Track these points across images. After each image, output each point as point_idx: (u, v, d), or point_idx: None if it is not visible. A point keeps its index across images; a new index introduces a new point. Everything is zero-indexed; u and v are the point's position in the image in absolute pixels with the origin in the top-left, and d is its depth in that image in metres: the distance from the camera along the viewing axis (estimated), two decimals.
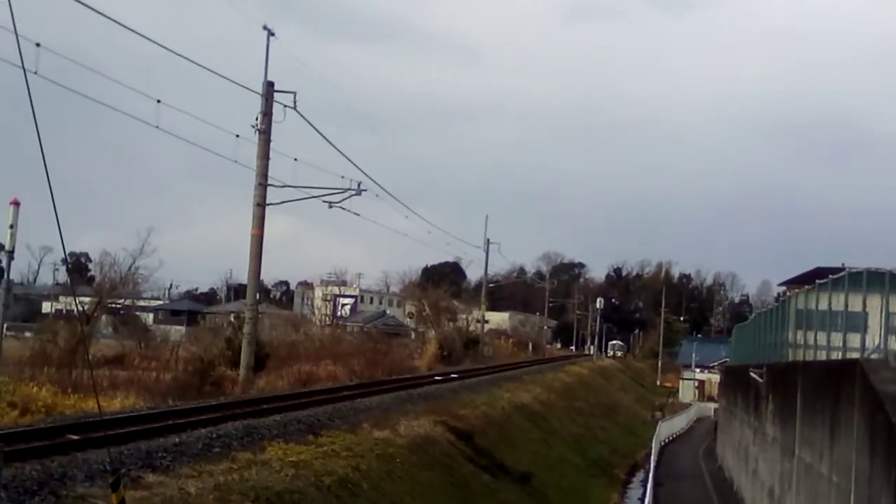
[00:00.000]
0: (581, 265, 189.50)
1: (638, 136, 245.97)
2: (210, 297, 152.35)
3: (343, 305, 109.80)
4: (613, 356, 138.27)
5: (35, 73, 20.72)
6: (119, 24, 28.22)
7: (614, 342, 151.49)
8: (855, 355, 17.22)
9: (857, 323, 18.29)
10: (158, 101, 30.95)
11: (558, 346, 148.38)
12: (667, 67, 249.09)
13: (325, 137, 39.94)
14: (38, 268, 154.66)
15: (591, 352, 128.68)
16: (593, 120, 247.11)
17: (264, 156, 38.13)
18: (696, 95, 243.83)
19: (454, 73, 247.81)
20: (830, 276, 20.56)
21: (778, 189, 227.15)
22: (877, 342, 17.29)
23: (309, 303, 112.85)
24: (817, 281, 22.01)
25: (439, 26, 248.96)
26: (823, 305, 21.02)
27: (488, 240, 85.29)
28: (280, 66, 46.89)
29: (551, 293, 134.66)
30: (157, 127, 31.03)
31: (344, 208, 41.85)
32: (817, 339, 21.87)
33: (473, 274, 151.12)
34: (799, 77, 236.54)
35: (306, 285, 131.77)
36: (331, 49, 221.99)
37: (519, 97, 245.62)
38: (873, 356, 16.48)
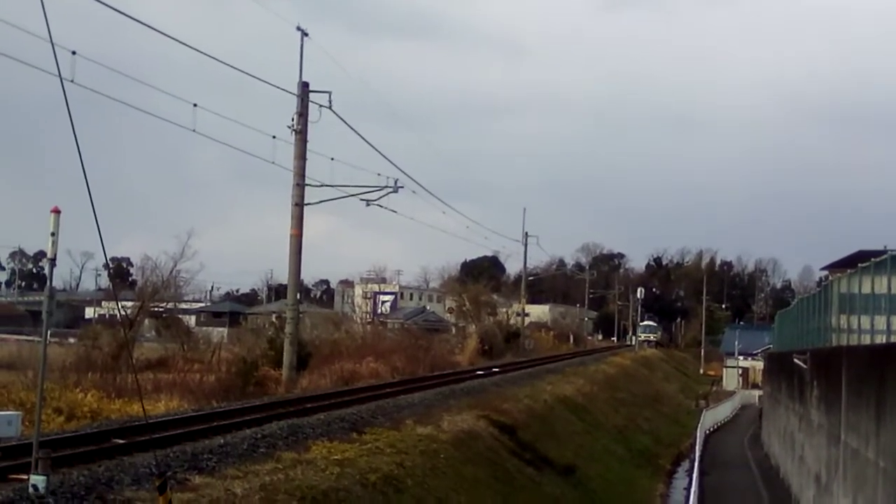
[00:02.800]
0: (621, 255, 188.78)
1: (677, 122, 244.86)
2: (251, 298, 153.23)
3: (383, 302, 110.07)
4: (649, 342, 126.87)
5: (72, 81, 20.91)
6: (154, 29, 28.45)
7: (646, 323, 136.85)
8: None
9: None
10: (195, 105, 31.17)
11: (599, 337, 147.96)
12: (705, 50, 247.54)
13: (360, 136, 40.10)
14: (80, 274, 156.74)
15: (633, 342, 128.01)
16: (632, 108, 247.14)
17: (301, 156, 38.33)
18: (735, 78, 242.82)
19: (492, 67, 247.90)
20: (873, 259, 20.37)
21: (818, 171, 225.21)
22: None
23: (349, 301, 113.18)
24: (860, 264, 21.81)
25: (477, 19, 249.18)
26: (866, 289, 20.84)
27: (527, 233, 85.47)
28: (315, 66, 47.05)
29: (591, 284, 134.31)
30: (193, 131, 31.25)
31: (381, 206, 42.07)
32: (861, 323, 21.68)
33: (512, 267, 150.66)
34: (838, 56, 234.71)
35: (346, 283, 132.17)
36: (366, 47, 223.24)
37: (557, 88, 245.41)
38: None
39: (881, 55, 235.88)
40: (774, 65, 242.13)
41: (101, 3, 23.61)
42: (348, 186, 41.43)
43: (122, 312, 49.28)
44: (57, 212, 14.97)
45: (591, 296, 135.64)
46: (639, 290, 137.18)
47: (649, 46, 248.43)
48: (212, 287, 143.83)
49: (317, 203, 40.12)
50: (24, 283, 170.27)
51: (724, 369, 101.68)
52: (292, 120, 38.05)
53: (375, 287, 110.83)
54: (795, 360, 31.40)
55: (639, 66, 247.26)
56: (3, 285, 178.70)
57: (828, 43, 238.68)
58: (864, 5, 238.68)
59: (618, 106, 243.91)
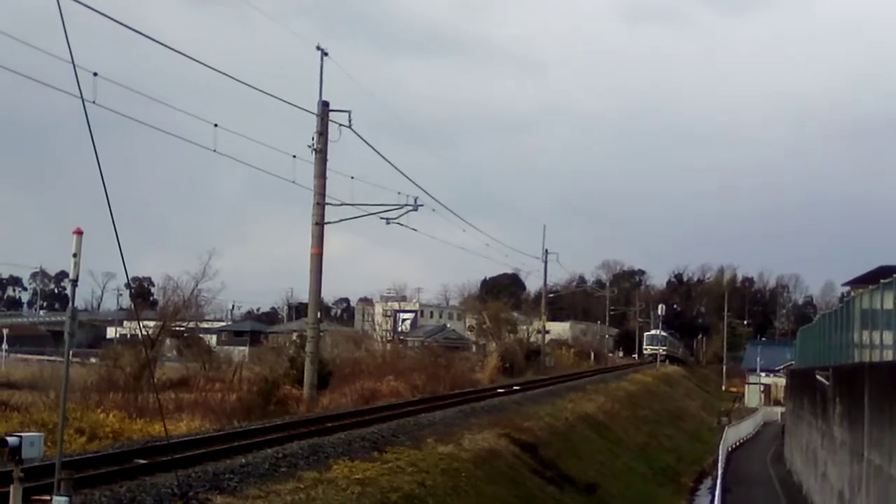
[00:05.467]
0: (641, 272, 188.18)
1: (697, 138, 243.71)
2: (272, 317, 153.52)
3: (403, 320, 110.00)
4: (657, 357, 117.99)
5: (93, 102, 21.02)
6: (175, 50, 28.57)
7: (651, 333, 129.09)
8: None
9: None
10: (216, 125, 31.25)
11: (620, 354, 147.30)
12: (726, 67, 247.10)
13: (380, 154, 40.20)
14: (102, 294, 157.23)
15: (655, 360, 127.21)
16: (652, 124, 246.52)
17: (321, 175, 38.44)
18: (757, 93, 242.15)
19: (511, 83, 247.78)
20: (894, 274, 20.27)
21: (839, 186, 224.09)
22: None
23: (369, 319, 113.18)
24: (881, 280, 21.71)
25: (495, 36, 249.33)
26: (889, 304, 20.73)
27: (546, 250, 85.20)
28: (335, 85, 47.20)
29: (612, 301, 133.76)
30: (214, 151, 31.33)
31: (401, 224, 42.08)
32: (883, 339, 21.57)
33: (533, 285, 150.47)
34: (859, 69, 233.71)
35: (366, 301, 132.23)
36: (386, 65, 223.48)
37: (578, 104, 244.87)
38: None
39: None
40: (793, 80, 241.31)
41: (122, 24, 23.81)
42: (368, 205, 41.57)
43: (144, 332, 49.41)
44: (79, 233, 15.00)
45: (611, 313, 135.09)
46: (660, 306, 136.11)
47: (668, 62, 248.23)
48: (233, 306, 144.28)
49: (337, 222, 40.30)
50: (45, 304, 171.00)
51: (746, 386, 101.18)
52: (312, 139, 38.19)
53: (395, 305, 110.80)
54: (818, 377, 31.25)
55: (658, 82, 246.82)
56: (24, 305, 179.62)
57: (845, 57, 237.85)
58: (879, 13, 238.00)
59: (637, 122, 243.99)
